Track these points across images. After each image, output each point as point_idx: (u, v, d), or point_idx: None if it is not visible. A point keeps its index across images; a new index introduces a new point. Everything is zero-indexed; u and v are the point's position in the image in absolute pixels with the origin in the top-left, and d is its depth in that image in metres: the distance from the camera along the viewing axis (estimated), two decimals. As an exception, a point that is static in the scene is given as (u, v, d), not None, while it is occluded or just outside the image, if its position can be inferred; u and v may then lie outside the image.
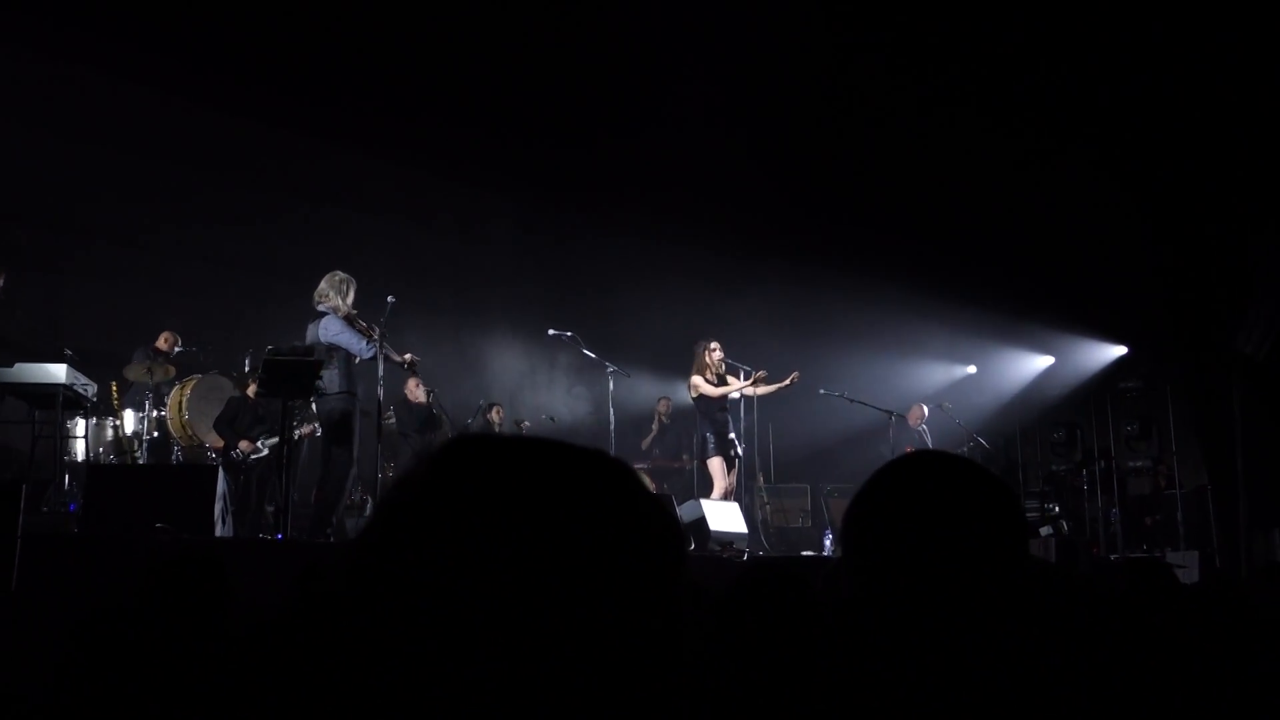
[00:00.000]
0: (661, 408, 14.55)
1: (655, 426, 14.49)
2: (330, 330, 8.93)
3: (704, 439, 11.00)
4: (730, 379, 11.22)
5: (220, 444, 10.66)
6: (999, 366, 16.38)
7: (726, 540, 10.04)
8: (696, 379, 11.06)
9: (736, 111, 11.82)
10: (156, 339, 11.68)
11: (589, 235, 14.37)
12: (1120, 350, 15.27)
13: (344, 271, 9.27)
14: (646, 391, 14.56)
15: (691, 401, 11.38)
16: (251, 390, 10.61)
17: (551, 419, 14.26)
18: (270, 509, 10.15)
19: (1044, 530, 12.61)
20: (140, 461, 10.79)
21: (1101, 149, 11.61)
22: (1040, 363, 16.30)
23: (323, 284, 9.17)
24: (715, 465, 10.91)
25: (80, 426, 10.30)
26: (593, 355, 11.36)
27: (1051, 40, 10.53)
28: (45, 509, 8.93)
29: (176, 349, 11.73)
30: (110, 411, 10.94)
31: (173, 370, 11.41)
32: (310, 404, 9.60)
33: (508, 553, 0.88)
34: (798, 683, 1.58)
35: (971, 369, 16.70)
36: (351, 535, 8.91)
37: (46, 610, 5.27)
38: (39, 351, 9.89)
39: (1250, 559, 10.87)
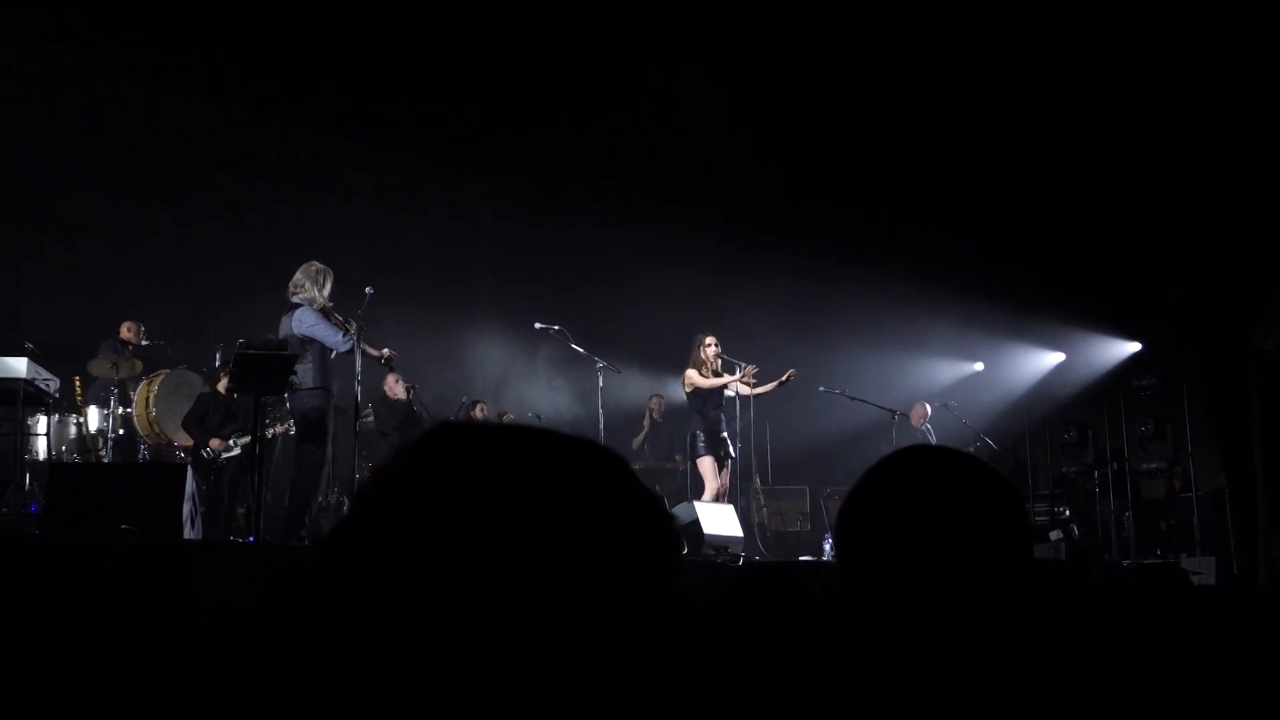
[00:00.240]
0: (653, 405, 14.54)
1: (647, 425, 14.48)
2: (305, 322, 8.91)
3: (694, 436, 11.00)
4: (726, 375, 11.21)
5: (190, 443, 10.63)
6: (1007, 363, 16.39)
7: (721, 544, 10.03)
8: (691, 372, 11.06)
9: (735, 95, 11.80)
10: (119, 329, 11.63)
11: (578, 223, 14.36)
12: (1134, 347, 15.30)
13: (320, 262, 9.25)
14: (638, 388, 14.55)
15: (685, 398, 11.38)
16: (222, 385, 10.58)
17: (538, 417, 14.25)
18: (241, 510, 10.13)
19: (1054, 535, 12.65)
20: (105, 460, 10.75)
21: (1116, 137, 11.64)
22: (1050, 359, 16.32)
23: (298, 274, 9.14)
24: (706, 465, 10.91)
25: (42, 424, 10.27)
26: (581, 350, 11.35)
27: (1062, 26, 10.55)
28: (5, 510, 8.91)
29: (142, 340, 11.69)
30: (74, 408, 10.89)
31: (139, 365, 11.38)
32: (284, 400, 9.58)
33: (493, 545, 0.87)
34: (794, 689, 1.58)
35: (978, 366, 16.71)
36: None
37: (4, 616, 5.24)
38: (-2, 345, 9.87)
39: (1270, 565, 10.90)
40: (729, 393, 11.22)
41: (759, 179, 13.14)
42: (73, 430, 10.88)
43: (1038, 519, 13.49)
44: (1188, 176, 11.68)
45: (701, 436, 10.93)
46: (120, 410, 11.09)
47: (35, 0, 10.49)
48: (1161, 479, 13.74)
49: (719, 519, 10.33)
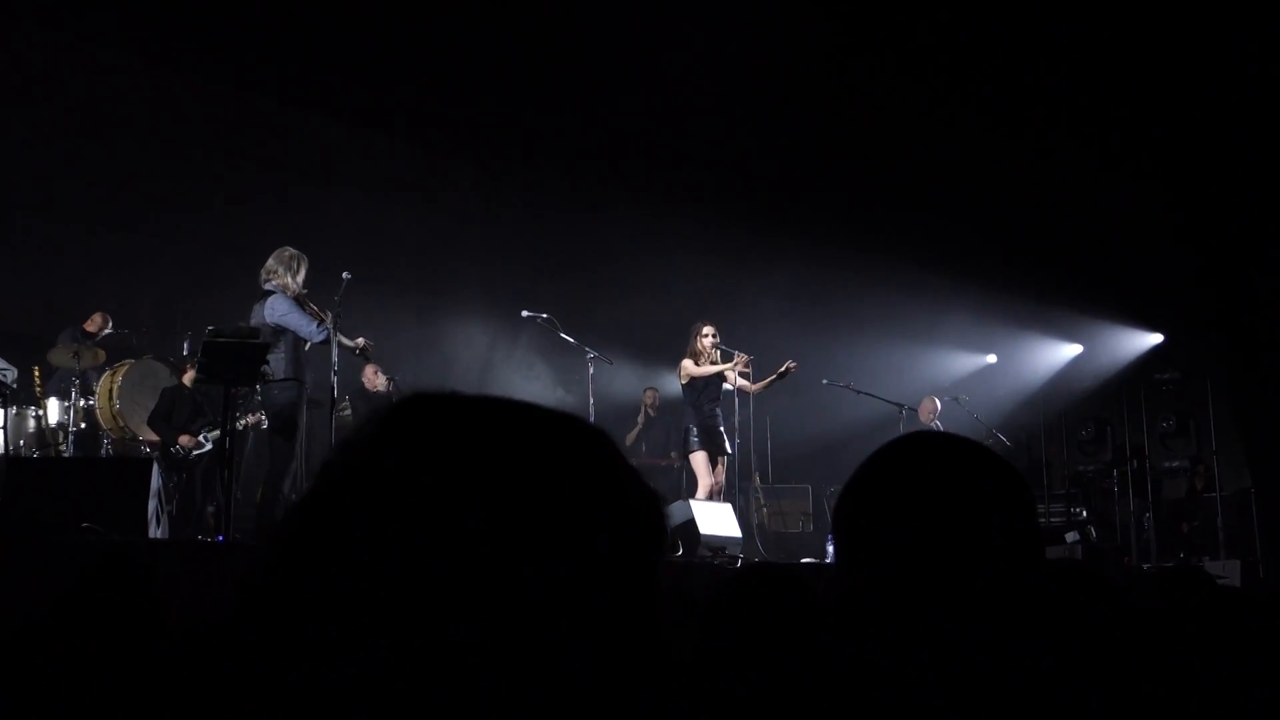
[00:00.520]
0: (648, 399, 14.54)
1: (641, 420, 14.49)
2: (277, 310, 8.91)
3: (687, 431, 11.01)
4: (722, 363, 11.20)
5: (157, 440, 10.61)
6: (1021, 355, 16.41)
7: (718, 545, 10.04)
8: (686, 362, 11.06)
9: (739, 74, 11.74)
10: (85, 320, 11.61)
11: (568, 207, 14.32)
12: (1156, 338, 15.32)
13: (294, 248, 9.24)
14: (632, 381, 14.55)
15: (680, 390, 11.38)
16: (188, 378, 10.56)
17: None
18: (211, 509, 10.12)
19: (1070, 537, 12.66)
20: (65, 455, 10.73)
21: (1138, 119, 11.63)
22: (1067, 351, 16.34)
23: (270, 260, 9.15)
24: (698, 460, 10.92)
25: (-2, 416, 10.25)
26: (571, 339, 11.34)
27: (1076, 10, 10.58)
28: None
29: (106, 331, 11.67)
30: (32, 400, 10.89)
31: (102, 355, 11.37)
32: (255, 392, 9.57)
33: (467, 522, 0.85)
34: (795, 691, 1.57)
35: (991, 358, 16.73)
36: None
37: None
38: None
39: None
40: (727, 386, 11.22)
41: (763, 160, 13.11)
42: (31, 423, 10.86)
43: (1053, 520, 13.51)
44: (1213, 160, 11.69)
45: (695, 431, 10.93)
46: (82, 402, 11.07)
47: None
48: (1184, 478, 13.78)
49: (716, 518, 10.33)
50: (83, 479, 7.97)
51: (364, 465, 0.90)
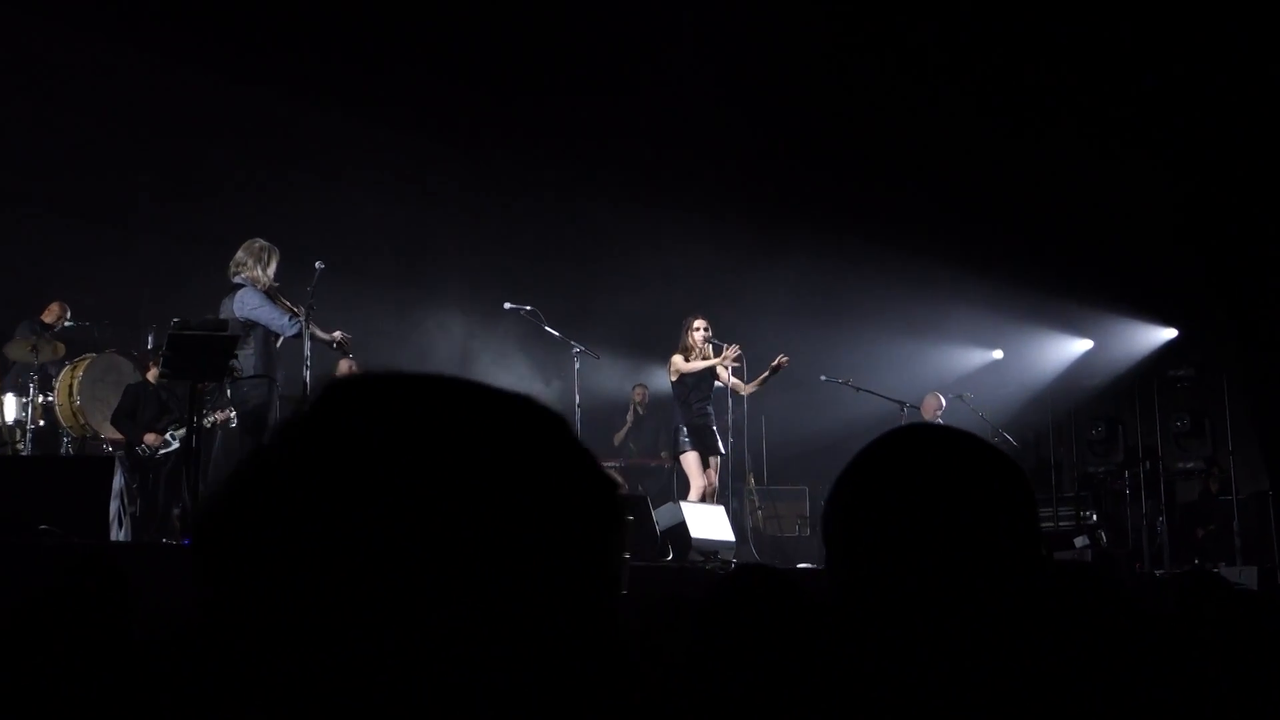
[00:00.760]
0: (637, 396, 14.54)
1: (630, 418, 14.49)
2: (247, 304, 8.92)
3: (678, 430, 11.01)
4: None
5: (120, 439, 10.59)
6: (1029, 351, 16.43)
7: (710, 549, 10.04)
8: (676, 358, 11.05)
9: (737, 57, 11.76)
10: (42, 311, 11.58)
11: (553, 195, 14.31)
12: (1169, 333, 15.34)
13: (265, 239, 9.24)
14: (619, 377, 14.54)
15: (670, 387, 11.37)
16: (153, 374, 10.54)
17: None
18: (176, 511, 10.10)
19: (1079, 541, 12.69)
20: (23, 454, 10.71)
21: (1152, 112, 11.66)
22: (1077, 347, 16.36)
23: (240, 253, 9.17)
24: (690, 461, 10.93)
25: (-48, 414, 10.23)
26: (556, 334, 11.32)
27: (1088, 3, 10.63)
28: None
29: (65, 323, 11.64)
30: (-13, 396, 10.86)
31: (62, 348, 11.33)
32: (224, 388, 9.56)
33: (410, 509, 0.83)
34: (789, 697, 1.58)
35: (997, 354, 16.75)
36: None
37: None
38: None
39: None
40: (719, 384, 11.21)
41: (764, 149, 13.13)
42: (-13, 421, 10.85)
43: (1062, 524, 13.54)
44: (1228, 152, 11.73)
45: (685, 430, 10.93)
46: (40, 399, 11.03)
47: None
48: (1199, 480, 13.80)
49: (708, 521, 10.33)
50: (41, 479, 7.98)
51: (296, 451, 0.87)
